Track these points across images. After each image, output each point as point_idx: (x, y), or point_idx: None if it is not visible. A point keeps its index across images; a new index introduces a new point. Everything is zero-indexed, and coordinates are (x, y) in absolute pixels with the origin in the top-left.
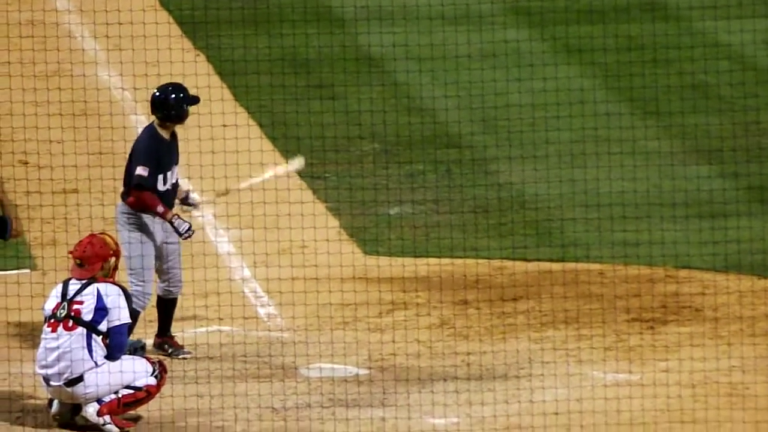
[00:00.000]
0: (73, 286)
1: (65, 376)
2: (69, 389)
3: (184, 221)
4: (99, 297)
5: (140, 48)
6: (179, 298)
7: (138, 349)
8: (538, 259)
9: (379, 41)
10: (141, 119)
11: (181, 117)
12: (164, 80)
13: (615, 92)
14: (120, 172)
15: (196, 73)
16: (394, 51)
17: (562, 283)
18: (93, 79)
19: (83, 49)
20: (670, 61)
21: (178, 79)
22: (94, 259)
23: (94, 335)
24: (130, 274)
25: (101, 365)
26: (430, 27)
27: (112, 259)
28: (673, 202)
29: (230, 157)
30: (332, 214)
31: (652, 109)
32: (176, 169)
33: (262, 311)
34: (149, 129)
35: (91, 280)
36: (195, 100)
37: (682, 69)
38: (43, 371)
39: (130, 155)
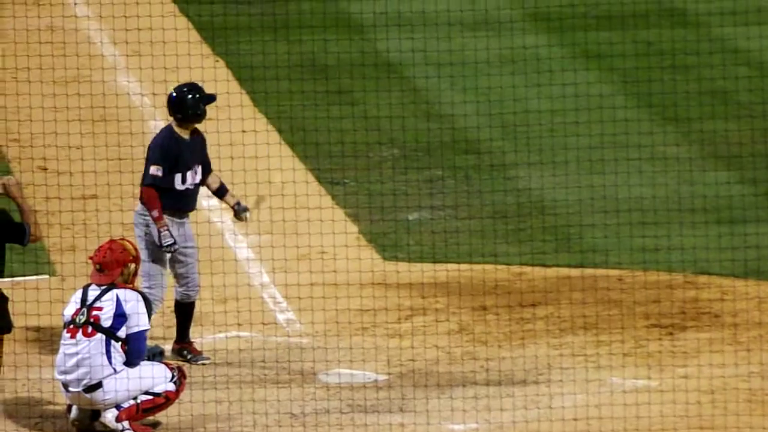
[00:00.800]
0: (93, 292)
1: (84, 382)
2: (88, 395)
3: (171, 236)
4: (118, 303)
5: (159, 54)
6: (198, 303)
7: (156, 355)
8: (557, 265)
9: (398, 47)
10: (160, 125)
11: (198, 116)
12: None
13: (634, 98)
14: (139, 178)
15: (215, 79)
16: (413, 57)
17: (580, 288)
18: (112, 85)
19: (102, 55)
20: (689, 67)
21: None
22: (114, 265)
23: (113, 341)
24: (143, 276)
25: (120, 371)
26: (448, 33)
27: (132, 265)
28: (692, 208)
29: (249, 163)
30: (351, 219)
31: (671, 115)
32: (199, 169)
33: (281, 317)
34: (166, 129)
35: (111, 286)
36: (211, 98)
37: (701, 75)
38: (62, 377)
39: (147, 155)
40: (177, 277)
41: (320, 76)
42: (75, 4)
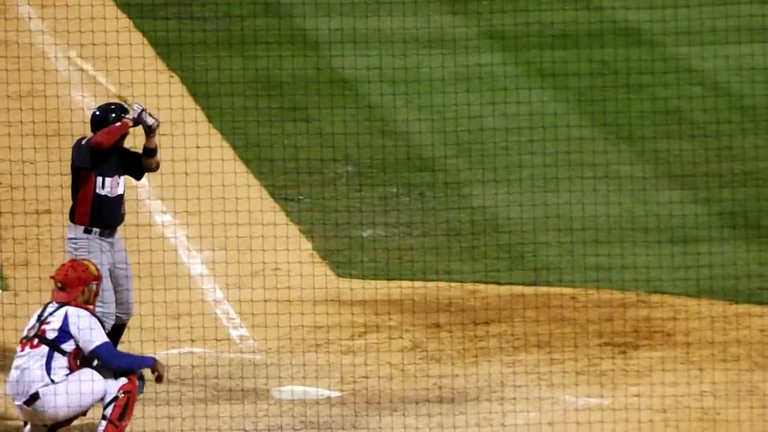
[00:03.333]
0: (50, 308)
1: (24, 393)
2: (29, 408)
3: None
4: (65, 319)
5: (114, 69)
6: (151, 318)
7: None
8: (511, 283)
9: (353, 64)
10: None
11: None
12: (138, 102)
13: (588, 117)
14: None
15: (170, 94)
16: (368, 74)
17: (534, 306)
18: (66, 100)
19: (57, 70)
20: (643, 86)
21: (152, 101)
22: (75, 283)
23: (56, 353)
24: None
25: (59, 383)
26: (404, 50)
27: (94, 284)
28: (645, 227)
29: (204, 179)
30: (305, 236)
31: (625, 134)
32: (122, 180)
33: (234, 333)
34: (85, 139)
35: (65, 304)
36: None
37: (656, 94)
38: (10, 390)
39: (73, 166)
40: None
41: (275, 93)
42: (30, 18)
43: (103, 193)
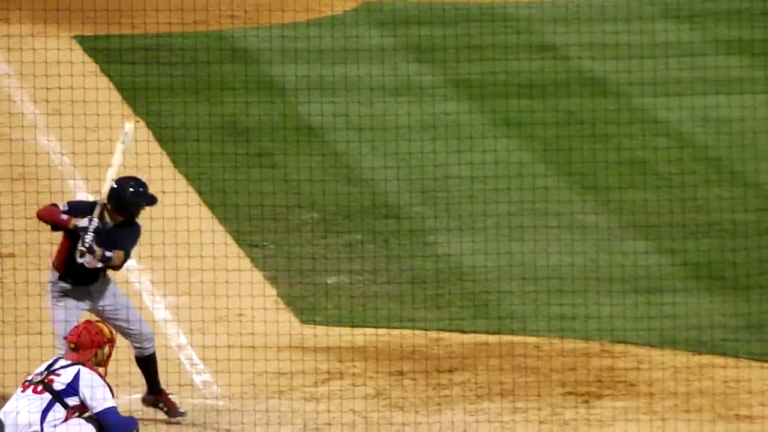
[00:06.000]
0: (62, 362)
1: None
2: None
3: (91, 240)
4: (76, 376)
5: (80, 113)
6: (114, 363)
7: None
8: (475, 331)
9: (320, 111)
10: (80, 184)
11: (131, 213)
12: (104, 146)
13: (554, 166)
14: (58, 237)
15: (135, 139)
16: (335, 121)
17: (498, 355)
18: (32, 144)
19: (23, 113)
20: (609, 136)
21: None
22: (88, 345)
23: (57, 405)
24: (57, 337)
25: None
26: (370, 98)
27: (107, 347)
28: (609, 277)
29: (168, 224)
30: (269, 282)
31: (590, 184)
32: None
33: (197, 378)
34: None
35: (79, 363)
36: (152, 200)
37: (621, 144)
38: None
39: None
40: (125, 336)
41: (241, 138)
42: None
43: (78, 260)
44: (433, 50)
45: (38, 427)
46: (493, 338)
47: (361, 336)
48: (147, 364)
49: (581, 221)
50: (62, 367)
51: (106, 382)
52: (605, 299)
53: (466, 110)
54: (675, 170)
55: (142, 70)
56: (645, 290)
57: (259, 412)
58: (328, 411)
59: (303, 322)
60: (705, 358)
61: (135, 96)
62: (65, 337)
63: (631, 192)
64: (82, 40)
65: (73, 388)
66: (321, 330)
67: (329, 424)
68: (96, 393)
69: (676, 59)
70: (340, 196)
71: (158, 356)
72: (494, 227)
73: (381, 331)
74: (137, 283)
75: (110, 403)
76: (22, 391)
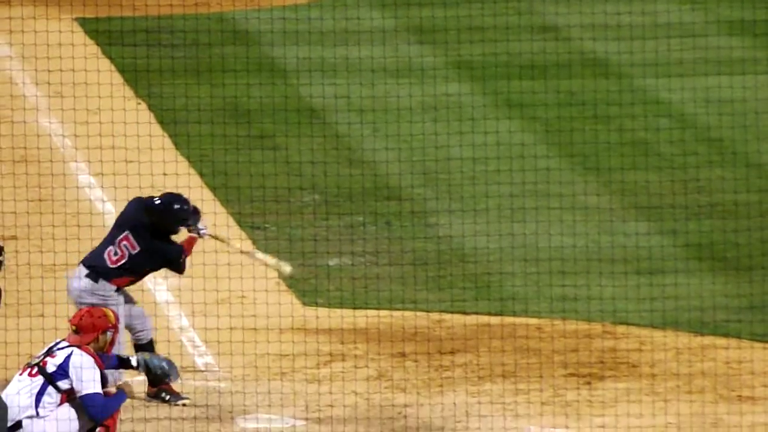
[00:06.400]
0: (62, 344)
1: (9, 418)
2: None
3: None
4: (67, 358)
5: (81, 95)
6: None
7: (166, 375)
8: (477, 313)
9: (321, 93)
10: (81, 166)
11: (170, 232)
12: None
13: (555, 147)
14: (59, 219)
15: (137, 121)
16: (336, 103)
17: (500, 336)
18: (33, 126)
19: (24, 96)
20: (610, 117)
21: (118, 127)
22: (90, 329)
23: (50, 388)
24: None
25: (44, 417)
26: (372, 79)
27: (109, 333)
28: (611, 258)
29: None
30: None
31: (592, 165)
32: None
33: (199, 361)
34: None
35: (75, 345)
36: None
37: (623, 126)
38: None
39: (148, 245)
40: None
41: (242, 120)
42: None
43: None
44: (434, 31)
45: (33, 411)
46: (495, 320)
47: (363, 318)
48: (148, 350)
49: (583, 202)
50: (59, 349)
51: (99, 369)
52: (607, 280)
53: (467, 92)
54: (677, 151)
55: (144, 53)
56: (647, 271)
57: (261, 394)
58: (330, 393)
59: (305, 304)
60: (707, 339)
61: (136, 78)
62: (69, 320)
63: (632, 173)
64: (83, 22)
65: (63, 369)
66: (323, 312)
67: (331, 405)
68: (83, 374)
69: (678, 40)
70: (341, 178)
71: (160, 338)
72: (496, 209)
73: (383, 312)
74: None
75: (94, 388)
76: (21, 374)
